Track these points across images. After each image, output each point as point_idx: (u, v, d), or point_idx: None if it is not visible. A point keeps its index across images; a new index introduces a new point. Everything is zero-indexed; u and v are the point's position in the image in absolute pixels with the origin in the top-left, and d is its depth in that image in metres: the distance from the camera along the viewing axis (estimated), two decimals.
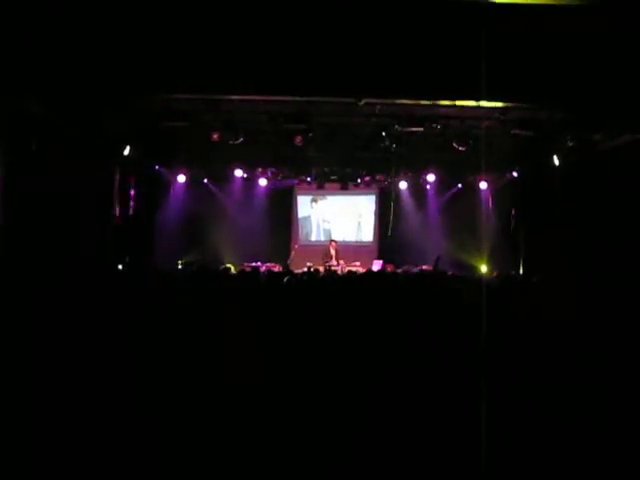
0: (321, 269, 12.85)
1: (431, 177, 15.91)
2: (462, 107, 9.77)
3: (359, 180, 16.88)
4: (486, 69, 6.72)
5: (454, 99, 9.32)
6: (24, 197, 10.06)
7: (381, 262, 15.15)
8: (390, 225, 16.71)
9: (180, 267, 13.77)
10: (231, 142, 11.71)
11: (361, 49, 7.49)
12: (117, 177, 13.42)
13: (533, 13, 7.19)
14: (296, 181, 17.16)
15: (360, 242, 17.88)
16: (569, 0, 6.64)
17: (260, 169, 16.04)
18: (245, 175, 15.98)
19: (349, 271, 11.07)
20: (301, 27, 6.82)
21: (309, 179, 16.82)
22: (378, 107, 10.69)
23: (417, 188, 16.99)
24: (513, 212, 15.05)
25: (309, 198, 18.04)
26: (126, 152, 12.74)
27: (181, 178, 15.94)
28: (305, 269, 12.96)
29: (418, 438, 2.55)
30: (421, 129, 11.04)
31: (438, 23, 6.94)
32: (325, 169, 16.24)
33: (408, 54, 7.96)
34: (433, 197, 17.00)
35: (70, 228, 10.96)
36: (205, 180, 16.61)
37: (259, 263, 14.59)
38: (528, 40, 7.64)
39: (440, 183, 16.35)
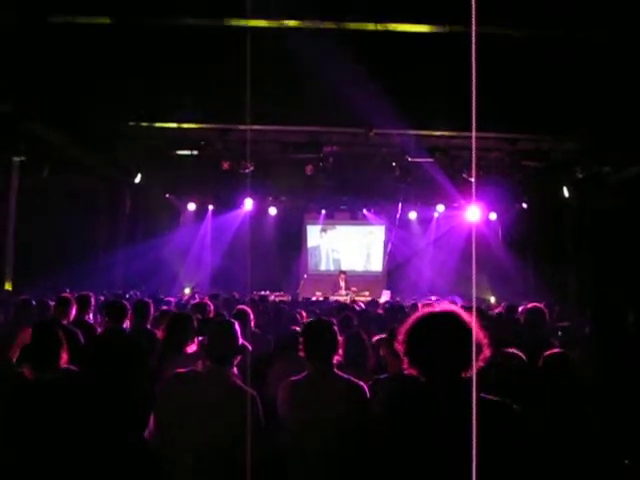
0: (331, 298, 12.82)
1: (440, 207, 15.91)
2: (471, 138, 9.78)
3: (369, 210, 16.90)
4: (497, 100, 6.75)
5: (464, 130, 9.34)
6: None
7: (389, 292, 15.04)
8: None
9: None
10: (241, 171, 11.75)
11: (372, 80, 7.56)
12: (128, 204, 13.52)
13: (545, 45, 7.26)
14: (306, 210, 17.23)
15: (369, 272, 17.80)
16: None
17: (270, 198, 16.09)
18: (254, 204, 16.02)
19: None
20: (313, 59, 6.90)
21: (319, 209, 16.88)
22: (388, 137, 10.74)
23: (426, 218, 16.98)
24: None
25: (318, 228, 18.03)
26: (137, 180, 12.81)
27: (191, 206, 16.07)
28: (314, 298, 12.92)
29: None
30: (431, 160, 11.05)
31: (447, 55, 7.00)
32: (335, 199, 16.28)
33: (419, 86, 8.03)
34: (442, 228, 16.94)
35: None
36: (211, 207, 16.70)
37: (268, 292, 14.52)
38: (538, 71, 7.69)
39: (449, 213, 16.32)
